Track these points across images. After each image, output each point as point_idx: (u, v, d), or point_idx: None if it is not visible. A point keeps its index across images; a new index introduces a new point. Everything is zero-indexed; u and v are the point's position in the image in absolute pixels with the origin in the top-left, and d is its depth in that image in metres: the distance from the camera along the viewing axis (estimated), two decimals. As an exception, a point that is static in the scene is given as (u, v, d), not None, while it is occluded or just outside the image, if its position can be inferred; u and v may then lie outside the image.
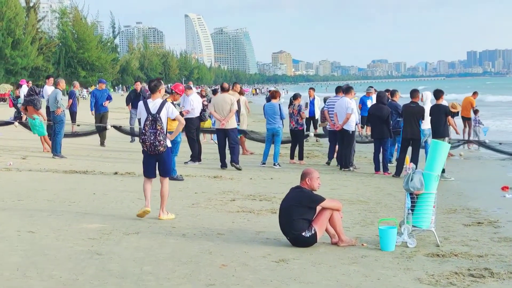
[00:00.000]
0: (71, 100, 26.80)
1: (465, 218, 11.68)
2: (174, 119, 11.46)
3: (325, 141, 23.33)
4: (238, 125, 21.63)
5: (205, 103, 24.38)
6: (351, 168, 18.37)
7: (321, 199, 9.13)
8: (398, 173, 17.02)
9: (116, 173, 16.24)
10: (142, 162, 11.42)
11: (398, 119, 18.45)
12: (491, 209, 12.68)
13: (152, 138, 10.87)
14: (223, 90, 18.71)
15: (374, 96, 23.50)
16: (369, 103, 23.15)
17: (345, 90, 19.01)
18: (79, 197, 12.82)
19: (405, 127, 17.06)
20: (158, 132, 10.86)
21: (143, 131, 11.04)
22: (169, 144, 11.21)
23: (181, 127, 11.51)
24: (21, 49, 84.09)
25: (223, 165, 17.95)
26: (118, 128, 24.25)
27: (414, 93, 17.17)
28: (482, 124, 25.79)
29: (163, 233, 9.83)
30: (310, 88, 27.77)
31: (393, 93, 19.89)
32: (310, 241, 9.09)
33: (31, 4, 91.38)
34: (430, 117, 17.02)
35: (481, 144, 22.75)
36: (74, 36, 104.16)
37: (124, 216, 11.12)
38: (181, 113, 16.21)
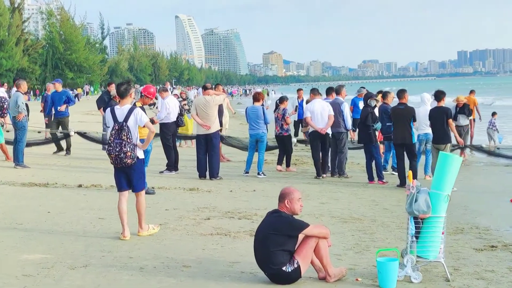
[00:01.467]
0: (42, 104, 25.23)
1: (475, 240, 10.06)
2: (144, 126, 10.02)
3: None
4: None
5: (186, 107, 22.78)
6: (341, 177, 16.84)
7: (304, 226, 7.44)
8: (402, 184, 15.39)
9: (80, 185, 14.51)
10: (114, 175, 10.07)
11: (388, 123, 16.85)
12: (503, 228, 11.08)
13: (117, 149, 9.58)
14: (205, 90, 16.94)
15: (366, 98, 21.96)
16: (361, 105, 21.48)
17: (313, 91, 18.01)
18: (30, 217, 11.10)
19: (395, 131, 15.49)
20: (124, 142, 9.56)
21: (109, 141, 9.76)
22: (140, 156, 9.88)
23: (152, 136, 10.09)
24: (6, 50, 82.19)
25: (202, 175, 16.28)
26: (83, 135, 22.19)
27: (401, 93, 15.54)
28: (497, 130, 24.17)
29: (116, 266, 8.14)
30: (299, 89, 26.02)
31: (385, 95, 18.02)
32: (293, 277, 7.43)
33: (16, 5, 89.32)
34: (429, 121, 15.41)
35: (478, 149, 21.13)
36: (61, 37, 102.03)
37: (76, 241, 9.44)
38: (152, 121, 14.47)
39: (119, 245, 9.23)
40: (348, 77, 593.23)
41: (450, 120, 15.14)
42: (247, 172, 17.16)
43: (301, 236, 7.50)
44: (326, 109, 16.84)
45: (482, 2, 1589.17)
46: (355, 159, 20.11)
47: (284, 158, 18.38)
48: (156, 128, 16.75)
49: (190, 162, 18.38)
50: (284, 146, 18.26)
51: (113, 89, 22.73)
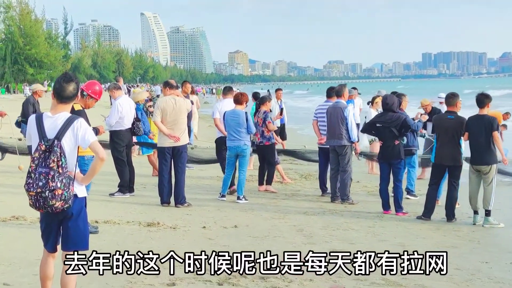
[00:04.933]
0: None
1: None
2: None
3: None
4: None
5: (151, 109, 18.78)
6: (345, 203, 13.13)
7: None
8: (428, 215, 11.72)
9: (-5, 218, 10.51)
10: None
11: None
12: None
13: (40, 183, 5.62)
14: (171, 88, 12.78)
15: (356, 100, 18.25)
16: (351, 108, 17.63)
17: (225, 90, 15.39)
18: None
19: (441, 149, 11.64)
20: (54, 173, 5.62)
21: (29, 169, 5.74)
22: (81, 194, 5.94)
23: (99, 166, 5.92)
24: (-38, 44, 77.87)
25: (165, 201, 12.32)
26: None
27: (452, 99, 11.72)
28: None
29: None
30: (278, 89, 21.54)
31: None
32: None
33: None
34: (467, 133, 11.61)
35: None
36: (21, 31, 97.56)
37: None
38: (96, 131, 10.17)
39: None
40: (314, 78, 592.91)
41: (495, 133, 11.39)
42: (223, 196, 13.26)
43: None
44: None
45: (447, 5, 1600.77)
46: (353, 175, 16.29)
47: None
48: (105, 137, 12.91)
49: (151, 180, 14.51)
50: (264, 158, 14.49)
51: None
